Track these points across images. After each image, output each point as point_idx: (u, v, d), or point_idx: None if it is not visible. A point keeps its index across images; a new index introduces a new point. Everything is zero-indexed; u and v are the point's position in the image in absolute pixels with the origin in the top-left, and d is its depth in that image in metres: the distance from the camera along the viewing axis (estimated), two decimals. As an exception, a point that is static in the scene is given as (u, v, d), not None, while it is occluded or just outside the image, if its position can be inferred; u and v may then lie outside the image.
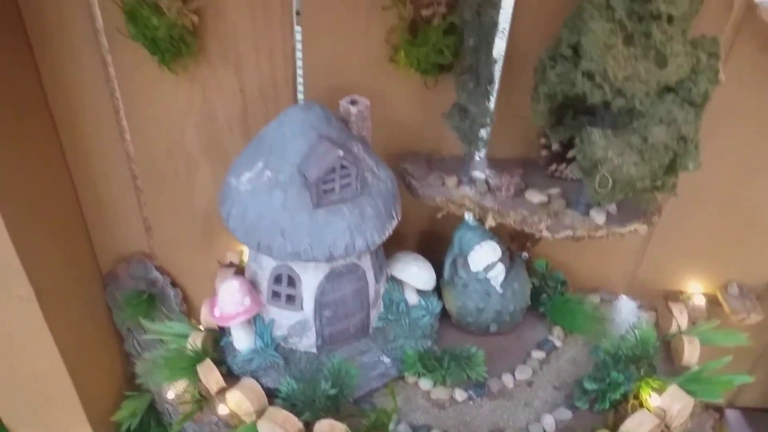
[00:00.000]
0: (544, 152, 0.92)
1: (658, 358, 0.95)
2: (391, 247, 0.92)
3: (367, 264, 0.89)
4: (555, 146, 0.89)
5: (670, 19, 0.66)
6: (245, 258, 1.08)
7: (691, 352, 0.95)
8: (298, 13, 0.85)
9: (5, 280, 0.93)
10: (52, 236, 1.03)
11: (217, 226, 1.11)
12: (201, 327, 0.98)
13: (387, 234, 0.83)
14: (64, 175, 1.05)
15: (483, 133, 0.84)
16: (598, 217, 0.83)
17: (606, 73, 0.68)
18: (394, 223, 0.84)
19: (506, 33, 0.84)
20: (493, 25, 0.77)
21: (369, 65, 0.91)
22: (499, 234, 0.96)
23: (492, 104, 0.84)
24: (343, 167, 0.76)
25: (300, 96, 0.97)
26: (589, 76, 0.70)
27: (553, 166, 0.91)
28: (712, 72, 0.68)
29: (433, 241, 1.09)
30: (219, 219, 0.86)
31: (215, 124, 0.99)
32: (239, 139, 1.01)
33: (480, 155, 0.93)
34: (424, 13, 0.80)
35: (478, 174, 0.92)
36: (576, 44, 0.70)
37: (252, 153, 0.82)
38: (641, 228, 0.84)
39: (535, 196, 0.87)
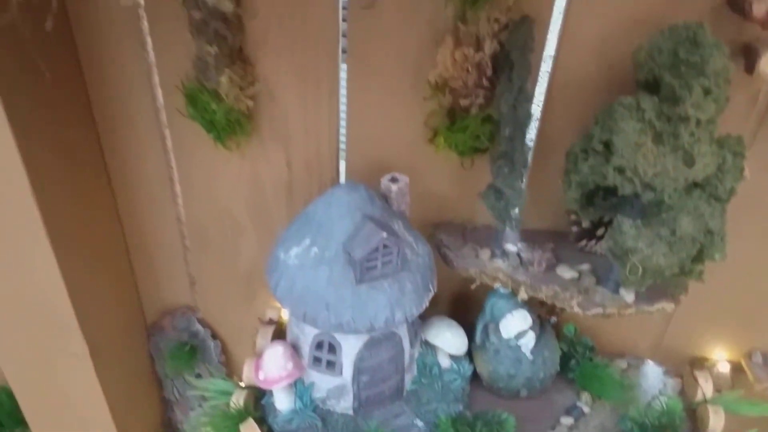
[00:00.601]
0: (574, 228, 0.96)
1: (683, 426, 0.98)
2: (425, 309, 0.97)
3: (403, 332, 0.93)
4: (585, 223, 0.94)
5: (697, 122, 0.71)
6: (284, 315, 1.14)
7: (716, 422, 0.98)
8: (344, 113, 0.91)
9: (63, 340, 1.00)
10: (105, 292, 1.10)
11: (258, 284, 1.17)
12: (242, 384, 1.03)
13: (424, 306, 0.88)
14: (117, 233, 1.12)
15: (516, 212, 0.89)
16: (628, 295, 0.87)
17: (636, 169, 0.73)
18: (431, 294, 0.89)
19: (539, 119, 0.89)
20: (529, 117, 0.83)
21: (409, 144, 0.97)
22: (529, 299, 1.00)
23: (525, 185, 0.89)
24: (385, 246, 0.82)
25: (342, 168, 1.03)
26: (620, 170, 0.75)
27: (583, 242, 0.95)
28: (738, 170, 0.73)
29: (465, 304, 1.13)
30: (260, 278, 0.92)
31: (262, 194, 1.06)
32: (284, 208, 1.07)
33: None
34: (463, 103, 0.86)
35: (511, 247, 0.97)
36: (607, 140, 0.75)
37: (300, 229, 0.88)
38: (668, 306, 0.87)
39: (566, 272, 0.92)
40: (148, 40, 0.89)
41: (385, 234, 0.80)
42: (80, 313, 1.00)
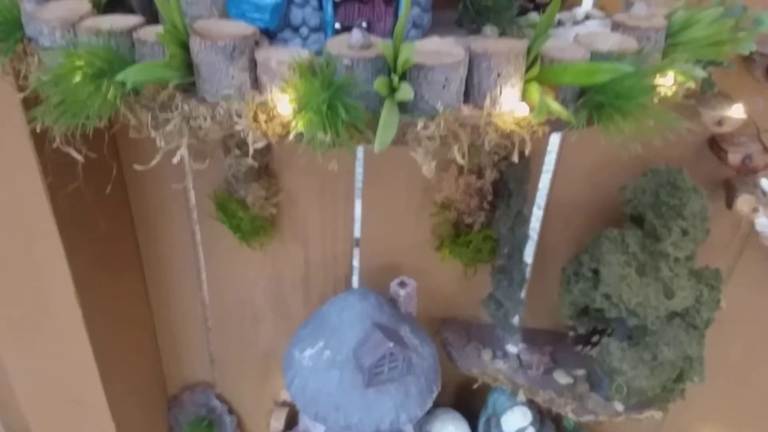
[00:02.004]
0: (571, 332, 1.02)
1: None
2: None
3: (409, 428, 1.00)
4: (581, 330, 1.00)
5: (676, 259, 0.78)
6: (297, 397, 1.20)
7: None
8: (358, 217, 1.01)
9: (91, 419, 1.08)
10: (132, 368, 1.18)
11: (274, 366, 1.25)
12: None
13: (428, 406, 0.95)
14: (146, 313, 1.21)
15: (516, 320, 0.96)
16: (618, 404, 0.92)
17: (621, 297, 0.80)
18: (435, 394, 0.96)
19: (537, 231, 0.97)
20: (526, 237, 0.91)
21: (417, 250, 1.05)
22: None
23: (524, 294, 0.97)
24: (392, 354, 0.89)
25: (355, 264, 1.12)
26: (607, 296, 0.82)
27: (579, 347, 1.02)
28: (714, 302, 0.79)
29: (470, 393, 1.19)
30: (276, 360, 0.98)
31: (281, 286, 1.15)
32: (301, 299, 1.15)
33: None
34: (467, 220, 0.94)
35: (511, 348, 1.03)
36: (596, 269, 0.83)
37: (315, 331, 0.96)
38: (657, 414, 0.93)
39: (562, 377, 0.98)
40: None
41: (391, 344, 0.88)
42: (109, 393, 1.08)
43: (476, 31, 0.69)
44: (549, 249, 0.99)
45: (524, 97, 0.52)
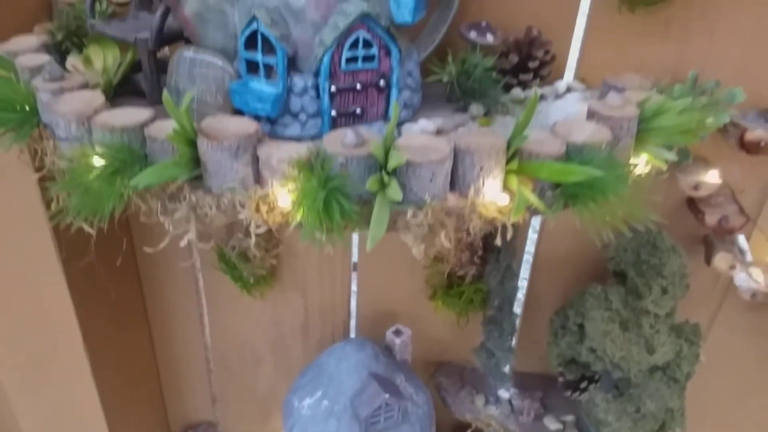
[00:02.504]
0: (560, 378, 1.06)
1: None
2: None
3: (404, 473, 1.03)
4: (570, 376, 1.04)
5: (656, 316, 0.82)
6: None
7: None
8: (355, 266, 1.05)
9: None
10: (137, 407, 1.22)
11: (274, 407, 1.28)
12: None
13: (422, 453, 0.98)
14: (149, 356, 1.25)
15: (507, 369, 0.99)
16: (606, 451, 0.96)
17: (606, 351, 0.84)
18: (429, 440, 0.99)
19: (527, 280, 1.01)
20: (515, 290, 0.95)
21: (411, 298, 1.09)
22: None
23: (514, 343, 1.00)
24: (387, 404, 0.92)
25: (353, 309, 1.16)
26: (592, 350, 0.85)
27: (569, 393, 1.05)
28: (694, 357, 0.83)
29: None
30: (276, 401, 1.01)
31: (280, 331, 1.18)
32: (300, 342, 1.19)
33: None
34: (459, 273, 0.98)
35: (503, 393, 1.07)
36: (581, 323, 0.86)
37: (313, 380, 0.99)
38: (644, 461, 0.96)
39: (552, 423, 1.01)
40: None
41: (387, 395, 0.91)
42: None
43: (463, 108, 0.74)
44: (538, 299, 1.03)
45: (505, 187, 0.57)
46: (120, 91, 0.73)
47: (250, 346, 1.22)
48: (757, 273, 0.89)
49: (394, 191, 0.51)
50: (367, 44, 0.63)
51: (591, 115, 0.62)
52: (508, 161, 0.56)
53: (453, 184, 0.57)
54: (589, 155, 0.56)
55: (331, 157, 0.53)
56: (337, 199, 0.51)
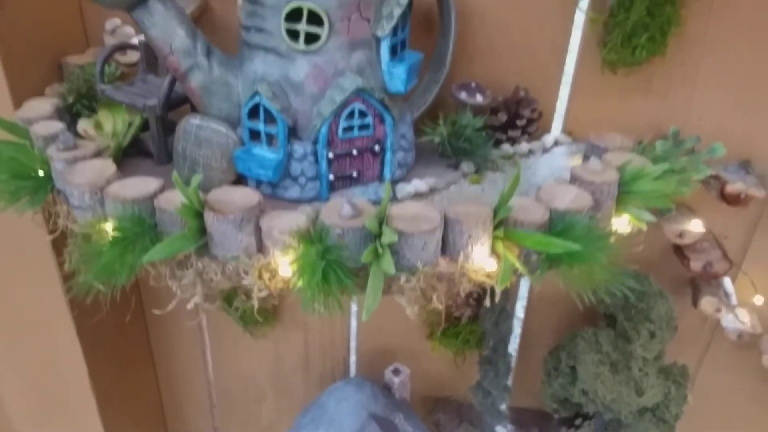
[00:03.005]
0: (555, 415, 1.08)
1: None
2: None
3: None
4: (564, 413, 1.06)
5: (645, 359, 0.85)
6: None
7: None
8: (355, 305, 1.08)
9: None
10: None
11: (276, 440, 1.31)
12: None
13: (421, 490, 1.01)
14: (154, 393, 1.28)
15: (503, 407, 1.02)
16: (600, 488, 0.98)
17: (597, 393, 0.87)
18: (427, 478, 1.02)
19: (522, 320, 1.05)
20: (509, 331, 0.98)
21: (410, 337, 1.12)
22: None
23: (510, 382, 1.03)
24: (386, 444, 0.95)
25: (352, 347, 1.19)
26: (584, 392, 0.88)
27: (564, 429, 1.08)
28: (681, 398, 0.86)
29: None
30: None
31: (282, 367, 1.21)
32: (301, 378, 1.22)
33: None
34: (455, 314, 1.01)
35: (500, 430, 1.09)
36: (573, 366, 0.89)
37: (314, 420, 1.02)
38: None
39: (547, 459, 1.04)
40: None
41: (385, 436, 0.94)
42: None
43: (455, 165, 0.78)
44: (533, 337, 1.06)
45: (493, 252, 0.60)
46: (128, 151, 0.77)
47: (252, 382, 1.25)
48: (743, 314, 0.92)
49: (388, 264, 0.54)
50: (363, 114, 0.67)
51: (573, 179, 0.66)
52: (495, 228, 0.60)
53: (444, 250, 0.60)
54: (570, 222, 0.60)
55: (329, 228, 0.57)
56: (335, 271, 0.54)
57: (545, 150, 0.83)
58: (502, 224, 0.59)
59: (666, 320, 0.86)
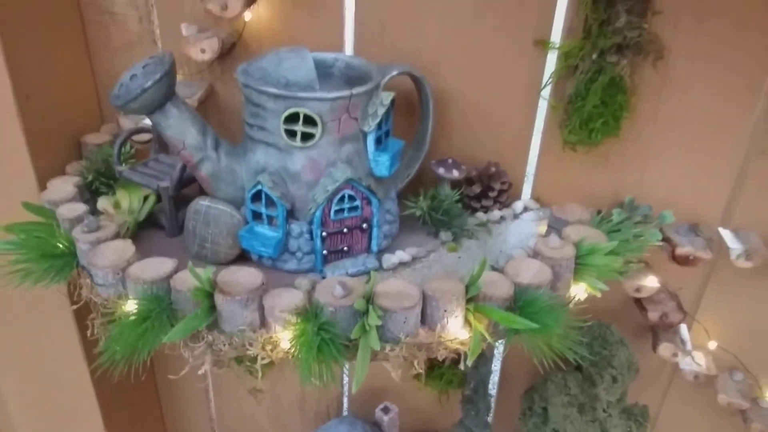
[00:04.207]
0: (533, 447, 1.18)
1: None
2: None
3: None
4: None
5: (608, 402, 0.94)
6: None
7: None
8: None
9: None
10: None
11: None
12: None
13: None
14: (159, 425, 1.36)
15: (484, 443, 1.11)
16: None
17: (566, 432, 0.96)
18: None
19: (501, 361, 1.14)
20: (489, 373, 1.07)
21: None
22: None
23: (491, 419, 1.12)
24: (377, 480, 1.04)
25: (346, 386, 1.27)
26: (555, 431, 0.97)
27: (541, 461, 1.17)
28: (643, 437, 0.95)
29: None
30: None
31: (280, 404, 1.30)
32: (298, 416, 1.30)
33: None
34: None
35: (483, 463, 1.18)
36: (545, 407, 0.99)
37: (310, 457, 1.11)
38: None
39: (525, 490, 1.13)
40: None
41: (376, 473, 1.03)
42: None
43: (435, 233, 0.87)
44: (512, 377, 1.15)
45: (465, 322, 0.69)
46: (142, 224, 0.86)
47: (251, 418, 1.33)
48: (699, 357, 1.02)
49: (374, 341, 0.63)
50: (352, 198, 0.76)
51: (536, 254, 0.75)
52: (467, 302, 0.69)
53: (423, 321, 0.70)
54: (533, 295, 0.69)
55: (323, 306, 0.66)
56: (328, 345, 0.64)
57: (515, 216, 0.93)
58: (473, 299, 0.69)
59: (627, 366, 0.95)
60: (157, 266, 0.71)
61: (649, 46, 0.81)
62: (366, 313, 0.66)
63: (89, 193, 0.88)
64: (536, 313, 0.68)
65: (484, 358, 1.07)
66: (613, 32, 0.78)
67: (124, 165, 0.87)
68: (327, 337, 0.64)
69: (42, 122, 0.88)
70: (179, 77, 0.85)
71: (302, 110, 0.71)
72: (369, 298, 0.67)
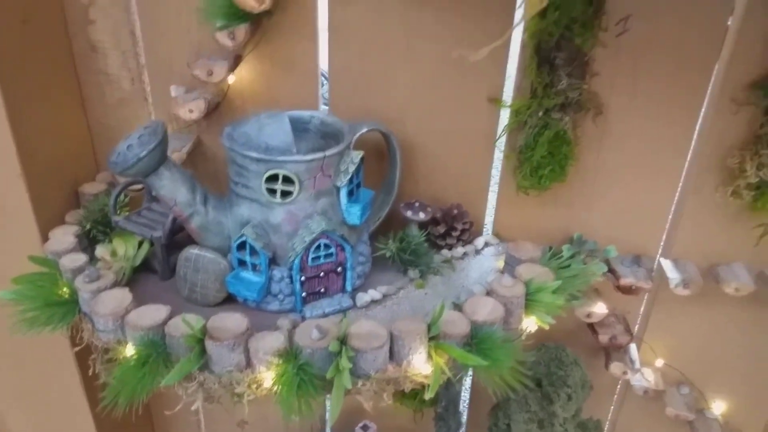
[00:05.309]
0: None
1: None
2: None
3: None
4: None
5: (564, 418, 1.04)
6: None
7: None
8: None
9: None
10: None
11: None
12: None
13: None
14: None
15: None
16: None
17: (528, 447, 1.06)
18: None
19: (471, 378, 1.23)
20: (458, 394, 1.17)
21: (376, 398, 1.30)
22: None
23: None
24: (357, 494, 1.13)
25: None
26: (519, 447, 1.07)
27: (508, 471, 1.26)
28: (596, 448, 1.05)
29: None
30: None
31: (266, 423, 1.38)
32: (283, 434, 1.39)
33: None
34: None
35: (455, 474, 1.28)
36: (508, 423, 1.08)
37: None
38: None
39: (494, 499, 1.22)
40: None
41: (356, 487, 1.12)
42: None
43: (404, 271, 0.97)
44: (481, 394, 1.25)
45: (428, 358, 0.79)
46: (138, 268, 0.94)
47: (241, 438, 1.42)
48: (648, 373, 1.13)
49: (347, 380, 0.73)
50: (327, 246, 0.85)
51: (490, 293, 0.85)
52: (429, 340, 0.78)
53: (391, 357, 0.79)
54: (487, 332, 0.79)
55: (302, 348, 0.75)
56: (306, 384, 0.73)
57: (477, 251, 1.02)
58: (435, 338, 0.78)
59: (581, 384, 1.05)
60: (152, 313, 0.80)
61: (588, 104, 0.91)
62: (339, 354, 0.75)
63: (87, 240, 0.96)
64: (490, 349, 0.78)
65: (451, 382, 1.16)
66: (556, 93, 0.88)
67: (119, 214, 0.95)
68: (305, 378, 0.73)
69: (42, 175, 0.96)
70: (169, 130, 0.93)
71: (281, 171, 0.80)
72: (343, 339, 0.76)
